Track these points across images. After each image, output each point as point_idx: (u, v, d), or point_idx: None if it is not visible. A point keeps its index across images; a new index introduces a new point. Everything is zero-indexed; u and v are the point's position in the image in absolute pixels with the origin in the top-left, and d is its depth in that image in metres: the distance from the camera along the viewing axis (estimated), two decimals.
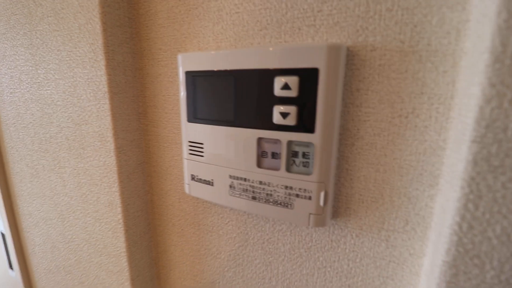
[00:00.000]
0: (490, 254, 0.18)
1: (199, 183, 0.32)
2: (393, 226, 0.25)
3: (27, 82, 0.43)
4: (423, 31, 0.21)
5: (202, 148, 0.30)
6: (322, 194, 0.25)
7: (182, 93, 0.30)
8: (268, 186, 0.27)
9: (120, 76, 0.34)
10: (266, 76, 0.25)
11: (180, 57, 0.30)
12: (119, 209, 0.38)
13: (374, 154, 0.24)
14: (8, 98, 0.47)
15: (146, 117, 0.38)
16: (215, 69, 0.27)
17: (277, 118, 0.25)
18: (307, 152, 0.25)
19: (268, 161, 0.27)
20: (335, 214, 0.27)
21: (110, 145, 0.35)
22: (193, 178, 0.32)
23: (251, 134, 0.27)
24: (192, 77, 0.29)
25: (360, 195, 0.26)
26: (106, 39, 0.32)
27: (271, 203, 0.27)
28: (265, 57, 0.24)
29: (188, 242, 0.39)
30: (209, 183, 0.31)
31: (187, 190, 0.33)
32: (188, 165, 0.32)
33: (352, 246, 0.27)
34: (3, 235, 0.63)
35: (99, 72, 0.34)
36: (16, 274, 0.63)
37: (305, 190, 0.25)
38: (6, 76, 0.46)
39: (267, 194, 0.27)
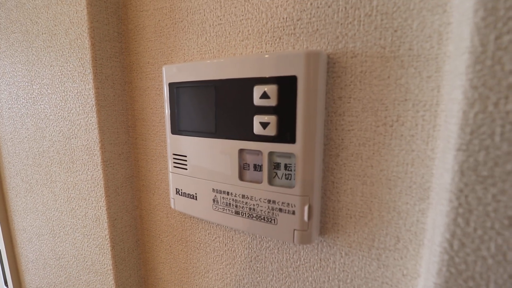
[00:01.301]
0: (485, 275, 0.16)
1: (183, 197, 0.31)
2: (384, 244, 0.23)
3: (23, 97, 0.43)
4: (404, 36, 0.20)
5: (185, 160, 0.29)
6: (306, 209, 0.23)
7: (166, 105, 0.30)
8: (251, 200, 0.26)
9: (108, 90, 0.35)
10: (246, 85, 0.24)
11: (163, 68, 0.29)
12: (106, 225, 0.37)
13: (360, 165, 0.23)
14: (7, 113, 0.48)
15: (135, 130, 0.38)
16: (196, 80, 0.27)
17: (257, 129, 0.24)
18: (289, 164, 0.24)
19: (250, 173, 0.26)
20: (323, 230, 0.25)
21: (97, 158, 0.35)
22: (177, 192, 0.31)
23: (233, 146, 0.26)
24: (175, 88, 0.29)
25: (347, 210, 0.24)
26: (94, 53, 0.33)
27: (254, 218, 0.26)
28: (245, 66, 0.24)
29: (176, 259, 0.38)
30: (193, 197, 0.30)
31: (172, 205, 0.32)
32: (173, 178, 0.31)
33: (342, 265, 0.25)
34: None
35: (87, 86, 0.34)
36: None
37: (288, 204, 0.24)
38: (5, 92, 0.47)
39: (250, 209, 0.26)
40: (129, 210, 0.39)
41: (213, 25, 0.28)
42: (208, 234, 0.33)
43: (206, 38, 0.29)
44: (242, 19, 0.26)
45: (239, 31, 0.27)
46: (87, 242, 0.40)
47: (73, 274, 0.45)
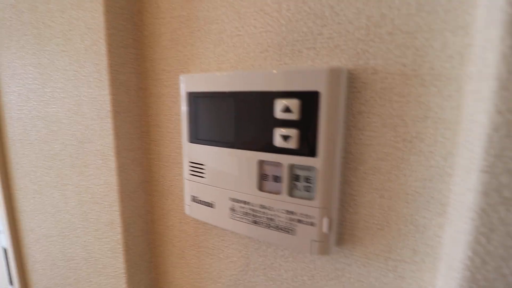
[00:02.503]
0: None
1: (200, 205, 0.31)
2: (401, 256, 0.24)
3: (34, 99, 0.43)
4: (426, 55, 0.20)
5: (203, 169, 0.30)
6: (325, 221, 0.24)
7: (184, 114, 0.30)
8: (270, 210, 0.26)
9: (123, 96, 0.35)
10: (267, 98, 0.24)
11: (182, 78, 0.30)
12: (119, 229, 0.37)
13: (379, 179, 0.23)
14: (16, 114, 0.48)
15: (148, 136, 0.38)
16: (216, 91, 0.27)
17: (278, 141, 0.24)
18: (309, 177, 0.24)
19: (269, 184, 0.26)
20: (340, 241, 0.26)
21: (112, 163, 0.35)
22: (193, 199, 0.31)
23: (252, 157, 0.26)
24: (194, 98, 0.29)
25: (365, 222, 0.25)
26: (111, 60, 0.33)
27: (272, 228, 0.26)
28: (266, 80, 0.24)
29: (188, 264, 0.38)
30: (210, 205, 0.30)
31: (187, 211, 0.33)
32: (189, 186, 0.32)
33: (358, 275, 0.26)
34: (5, 251, 0.63)
35: (103, 92, 0.34)
36: None
37: (307, 215, 0.24)
38: (15, 94, 0.47)
39: (268, 219, 0.26)
40: (141, 215, 0.39)
41: (231, 35, 0.29)
42: (222, 240, 0.34)
43: (223, 48, 0.29)
44: (262, 31, 0.27)
45: (258, 43, 0.27)
46: (98, 245, 0.41)
47: (82, 277, 0.45)
